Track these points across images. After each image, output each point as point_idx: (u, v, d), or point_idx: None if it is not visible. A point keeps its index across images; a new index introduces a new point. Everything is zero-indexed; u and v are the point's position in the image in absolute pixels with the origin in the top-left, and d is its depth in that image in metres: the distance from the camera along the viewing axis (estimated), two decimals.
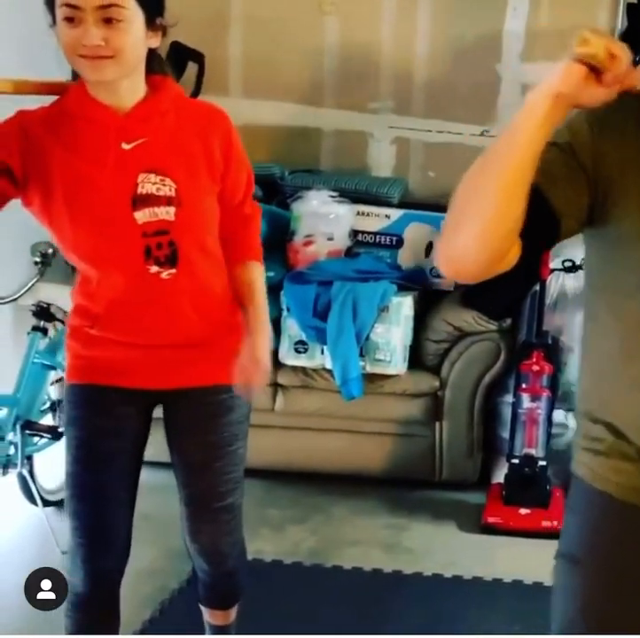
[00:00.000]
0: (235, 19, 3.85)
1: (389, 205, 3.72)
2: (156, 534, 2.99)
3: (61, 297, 3.03)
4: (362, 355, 3.26)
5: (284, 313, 3.29)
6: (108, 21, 1.56)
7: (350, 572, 2.80)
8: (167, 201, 1.68)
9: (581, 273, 3.50)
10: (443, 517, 3.23)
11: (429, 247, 3.67)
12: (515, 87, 4.10)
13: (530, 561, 2.99)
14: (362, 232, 3.61)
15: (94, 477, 1.81)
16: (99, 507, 1.81)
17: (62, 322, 3.06)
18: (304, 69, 3.98)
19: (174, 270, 1.71)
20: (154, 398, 1.85)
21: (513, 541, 3.09)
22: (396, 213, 3.67)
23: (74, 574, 1.81)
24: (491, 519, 3.15)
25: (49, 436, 2.83)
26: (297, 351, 3.28)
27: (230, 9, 3.78)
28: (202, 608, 2.09)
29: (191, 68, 3.87)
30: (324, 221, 3.49)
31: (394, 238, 3.66)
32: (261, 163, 3.42)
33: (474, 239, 1.08)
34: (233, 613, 2.09)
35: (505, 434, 3.34)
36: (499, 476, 3.33)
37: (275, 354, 3.15)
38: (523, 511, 3.17)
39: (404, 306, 3.35)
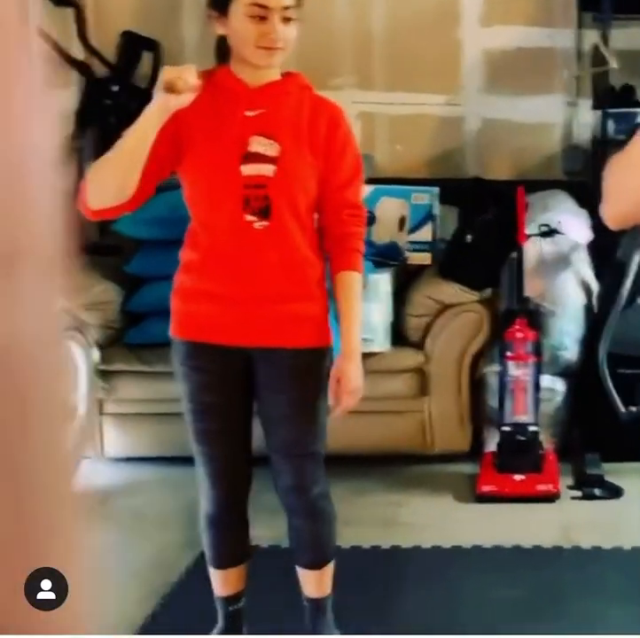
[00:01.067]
0: (189, 5, 3.87)
1: None
2: (152, 530, 3.04)
3: None
4: None
5: None
6: (286, 19, 1.98)
7: (349, 552, 2.85)
8: (271, 160, 2.02)
9: (558, 237, 3.56)
10: (439, 490, 3.30)
11: (402, 221, 3.71)
12: (476, 52, 4.15)
13: (528, 525, 3.08)
14: None
15: (202, 424, 2.13)
16: (212, 448, 2.14)
17: None
18: None
19: (266, 222, 2.02)
20: (245, 354, 2.10)
21: (510, 508, 3.17)
22: (366, 190, 3.66)
23: (203, 497, 2.19)
24: (486, 488, 3.23)
25: None
26: None
27: None
28: (300, 577, 2.27)
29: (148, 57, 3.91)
30: None
31: (366, 213, 3.71)
32: None
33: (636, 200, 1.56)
34: (327, 581, 2.26)
35: (495, 403, 3.42)
36: (492, 445, 3.41)
37: None
38: (517, 477, 3.25)
39: (382, 282, 3.40)
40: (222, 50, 2.08)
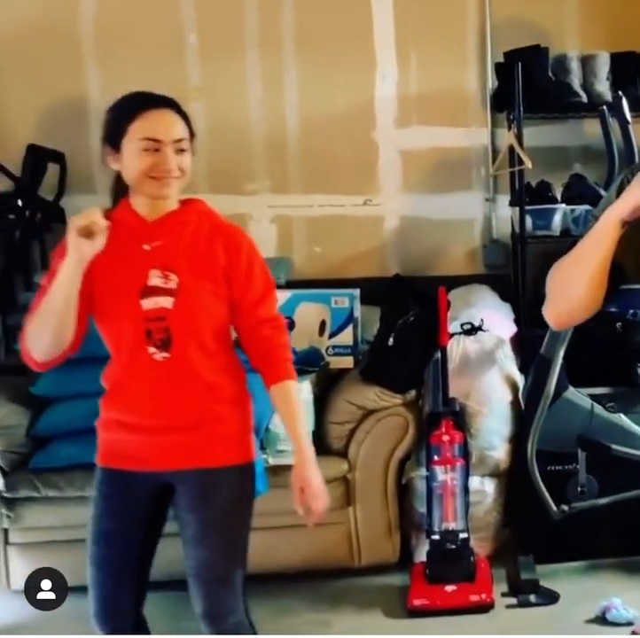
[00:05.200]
0: (93, 115, 4.05)
1: (276, 286, 3.91)
2: None
3: None
4: (263, 448, 3.36)
5: None
6: (180, 151, 2.18)
7: None
8: (169, 292, 2.19)
9: (481, 334, 3.71)
10: (368, 605, 3.32)
11: (322, 326, 3.83)
12: (393, 153, 4.39)
13: None
14: None
15: (99, 551, 2.25)
16: (102, 575, 2.25)
17: None
18: None
19: (167, 354, 2.18)
20: (158, 479, 2.24)
21: (443, 621, 3.21)
22: (284, 295, 3.81)
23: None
24: (417, 601, 3.26)
25: None
26: None
27: (87, 105, 3.99)
28: None
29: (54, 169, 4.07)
30: None
31: (285, 321, 3.82)
32: None
33: (577, 302, 1.76)
34: None
35: (423, 509, 3.48)
36: (422, 554, 3.46)
37: None
38: (449, 588, 3.29)
39: (302, 390, 3.43)
40: (119, 186, 2.25)
